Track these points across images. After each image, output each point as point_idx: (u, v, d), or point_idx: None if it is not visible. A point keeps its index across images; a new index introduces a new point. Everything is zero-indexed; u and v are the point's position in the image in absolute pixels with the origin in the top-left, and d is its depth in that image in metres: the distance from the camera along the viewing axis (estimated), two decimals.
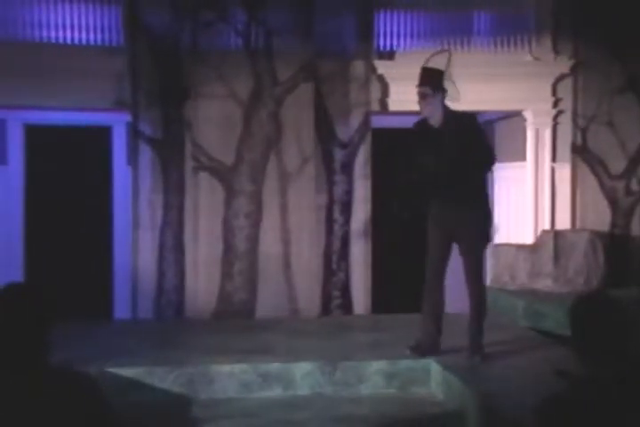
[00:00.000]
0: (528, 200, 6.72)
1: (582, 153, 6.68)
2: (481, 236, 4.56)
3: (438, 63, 4.57)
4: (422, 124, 4.59)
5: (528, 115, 6.70)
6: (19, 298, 1.99)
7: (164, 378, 4.36)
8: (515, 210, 6.97)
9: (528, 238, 6.63)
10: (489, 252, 6.87)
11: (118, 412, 2.08)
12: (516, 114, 6.81)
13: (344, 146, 6.36)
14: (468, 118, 4.56)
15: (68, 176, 6.99)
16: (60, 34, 6.25)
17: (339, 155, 6.36)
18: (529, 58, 6.60)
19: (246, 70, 6.09)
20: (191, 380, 4.39)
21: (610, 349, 1.97)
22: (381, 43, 6.56)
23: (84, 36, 6.27)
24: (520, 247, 6.43)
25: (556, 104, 6.67)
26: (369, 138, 6.40)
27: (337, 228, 6.34)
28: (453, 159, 4.34)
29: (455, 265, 7.56)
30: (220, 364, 4.49)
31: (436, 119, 4.50)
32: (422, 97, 4.47)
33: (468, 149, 4.37)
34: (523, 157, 6.81)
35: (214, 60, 6.02)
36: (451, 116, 4.50)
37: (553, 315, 5.45)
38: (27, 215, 6.97)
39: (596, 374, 1.96)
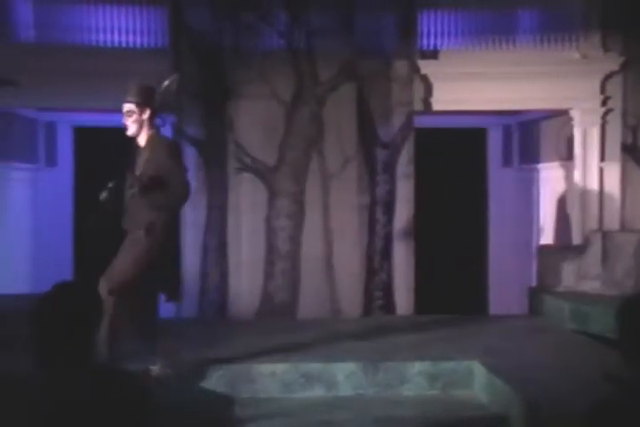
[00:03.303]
0: (575, 200, 6.59)
1: (632, 152, 6.52)
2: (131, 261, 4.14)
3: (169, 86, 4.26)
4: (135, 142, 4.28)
5: (575, 114, 6.57)
6: (67, 297, 2.01)
7: (207, 377, 4.39)
8: (561, 210, 6.84)
9: (575, 239, 6.49)
10: (534, 253, 6.79)
11: (161, 410, 2.09)
12: (563, 113, 6.68)
13: (386, 146, 6.33)
14: (169, 145, 4.25)
15: (115, 177, 7.09)
16: (107, 37, 6.37)
17: (381, 155, 6.32)
18: (576, 55, 6.47)
19: (288, 70, 6.11)
20: (233, 379, 4.41)
21: None
22: (424, 42, 6.51)
23: (130, 39, 6.39)
24: (566, 249, 6.30)
25: (604, 102, 6.52)
26: (412, 138, 6.35)
27: (379, 228, 6.30)
28: (142, 184, 4.01)
29: (497, 267, 7.49)
30: (262, 364, 4.50)
31: (141, 139, 4.22)
32: (128, 114, 4.17)
33: (158, 176, 4.04)
34: (570, 157, 6.68)
35: (256, 61, 6.06)
36: (155, 138, 4.20)
37: (600, 318, 5.32)
38: (75, 215, 7.11)
39: None
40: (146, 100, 4.19)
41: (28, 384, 1.96)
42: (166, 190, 4.07)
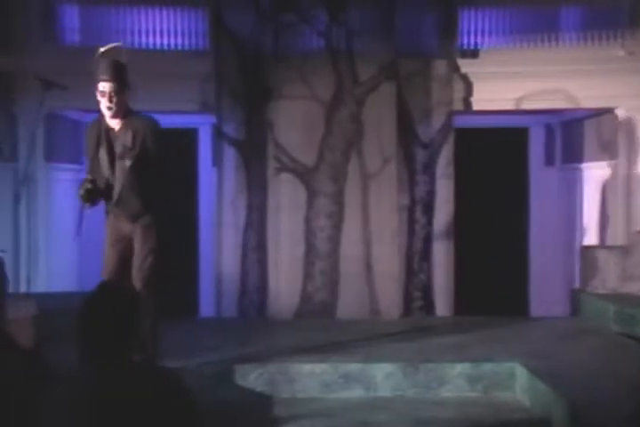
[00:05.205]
0: (620, 200, 6.46)
1: None
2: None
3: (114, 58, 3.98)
4: (98, 125, 4.01)
5: (620, 112, 6.44)
6: (112, 296, 2.05)
7: (246, 376, 4.42)
8: (605, 210, 6.71)
9: (619, 240, 6.37)
10: (577, 254, 6.66)
11: (201, 409, 2.11)
12: (607, 111, 6.56)
13: (426, 146, 6.29)
14: (155, 129, 3.99)
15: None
16: (150, 39, 6.46)
17: (420, 155, 6.29)
18: (622, 53, 6.34)
19: (327, 71, 6.12)
20: (273, 379, 4.43)
21: None
22: (465, 41, 6.45)
23: (171, 40, 6.47)
24: (611, 249, 6.18)
25: None
26: (451, 138, 6.31)
27: (419, 228, 6.27)
28: (126, 168, 3.90)
29: (539, 268, 7.38)
30: (301, 363, 4.51)
31: (116, 121, 3.97)
32: (109, 94, 3.86)
33: (141, 159, 3.91)
34: (614, 156, 6.55)
35: (296, 62, 6.08)
36: (136, 121, 3.96)
37: None
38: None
39: None
40: (125, 78, 3.94)
41: (73, 382, 1.99)
42: (157, 173, 3.98)
